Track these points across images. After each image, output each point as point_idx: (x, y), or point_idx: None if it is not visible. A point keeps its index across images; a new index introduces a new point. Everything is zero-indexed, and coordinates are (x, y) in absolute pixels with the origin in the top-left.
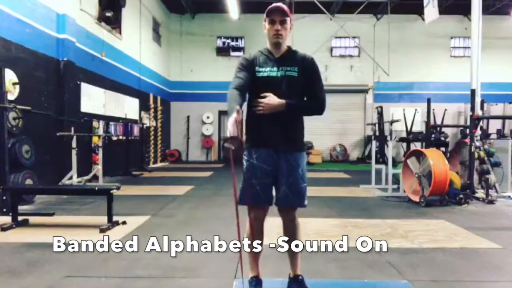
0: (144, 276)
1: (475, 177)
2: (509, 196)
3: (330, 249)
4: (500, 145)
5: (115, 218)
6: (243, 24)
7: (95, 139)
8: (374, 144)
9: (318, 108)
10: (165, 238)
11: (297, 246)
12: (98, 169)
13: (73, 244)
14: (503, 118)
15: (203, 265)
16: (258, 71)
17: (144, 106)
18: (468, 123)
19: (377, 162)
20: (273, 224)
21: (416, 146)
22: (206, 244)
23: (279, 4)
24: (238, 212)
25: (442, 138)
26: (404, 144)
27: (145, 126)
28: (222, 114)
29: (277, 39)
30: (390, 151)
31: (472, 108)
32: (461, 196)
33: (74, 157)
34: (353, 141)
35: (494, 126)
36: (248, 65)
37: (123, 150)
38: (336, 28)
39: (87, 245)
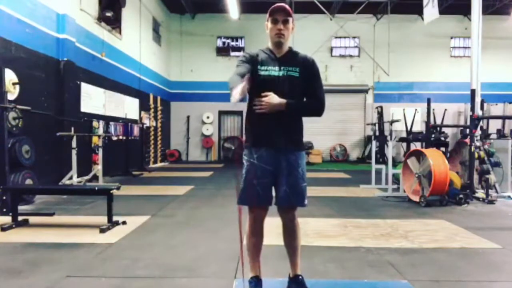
0: (144, 276)
1: (475, 177)
2: (509, 196)
3: (330, 249)
4: (500, 145)
5: (115, 218)
6: (243, 24)
7: (95, 139)
8: (374, 144)
9: (317, 109)
10: (165, 238)
11: (296, 246)
12: (98, 169)
13: (73, 244)
14: (503, 118)
15: (203, 265)
16: (260, 69)
17: (144, 106)
18: (468, 123)
19: (377, 162)
20: (273, 224)
21: (416, 146)
22: (206, 244)
23: (282, 4)
24: (241, 215)
25: (442, 138)
26: (404, 144)
27: (145, 126)
28: (222, 114)
29: (279, 38)
30: (390, 151)
31: (472, 108)
32: (461, 196)
33: (74, 157)
34: (353, 141)
35: (494, 126)
36: (250, 59)
37: (123, 150)
38: (336, 28)
39: (87, 245)
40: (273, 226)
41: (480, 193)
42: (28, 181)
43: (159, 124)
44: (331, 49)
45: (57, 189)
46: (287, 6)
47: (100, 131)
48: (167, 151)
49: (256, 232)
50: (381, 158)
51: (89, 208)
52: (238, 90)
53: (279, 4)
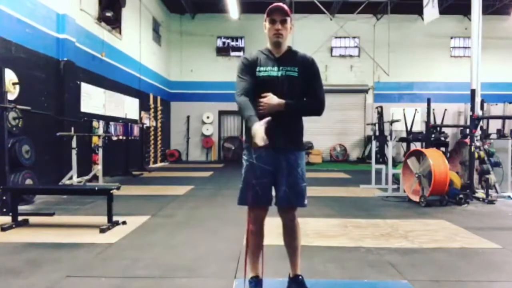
0: (144, 276)
1: (475, 177)
2: (509, 196)
3: (330, 249)
4: (500, 145)
5: (115, 218)
6: (243, 24)
7: (95, 139)
8: (374, 144)
9: (317, 109)
10: (165, 238)
11: (296, 246)
12: (98, 169)
13: (73, 244)
14: (503, 118)
15: (203, 265)
16: (259, 70)
17: (144, 106)
18: (468, 123)
19: (377, 162)
20: (273, 224)
21: (416, 146)
22: (206, 244)
23: (280, 4)
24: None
25: (442, 138)
26: (404, 144)
27: (145, 126)
28: (222, 114)
29: (278, 38)
30: (390, 151)
31: (472, 108)
32: (461, 196)
33: (74, 157)
34: (353, 141)
35: (494, 126)
36: (249, 65)
37: (123, 150)
38: (336, 28)
39: (87, 245)
40: (273, 226)
41: (480, 193)
42: (28, 181)
43: (159, 124)
44: (331, 49)
45: (57, 189)
46: (284, 6)
47: (100, 131)
48: (167, 151)
49: (256, 232)
50: (381, 158)
51: (89, 208)
52: (260, 138)
53: (276, 4)
